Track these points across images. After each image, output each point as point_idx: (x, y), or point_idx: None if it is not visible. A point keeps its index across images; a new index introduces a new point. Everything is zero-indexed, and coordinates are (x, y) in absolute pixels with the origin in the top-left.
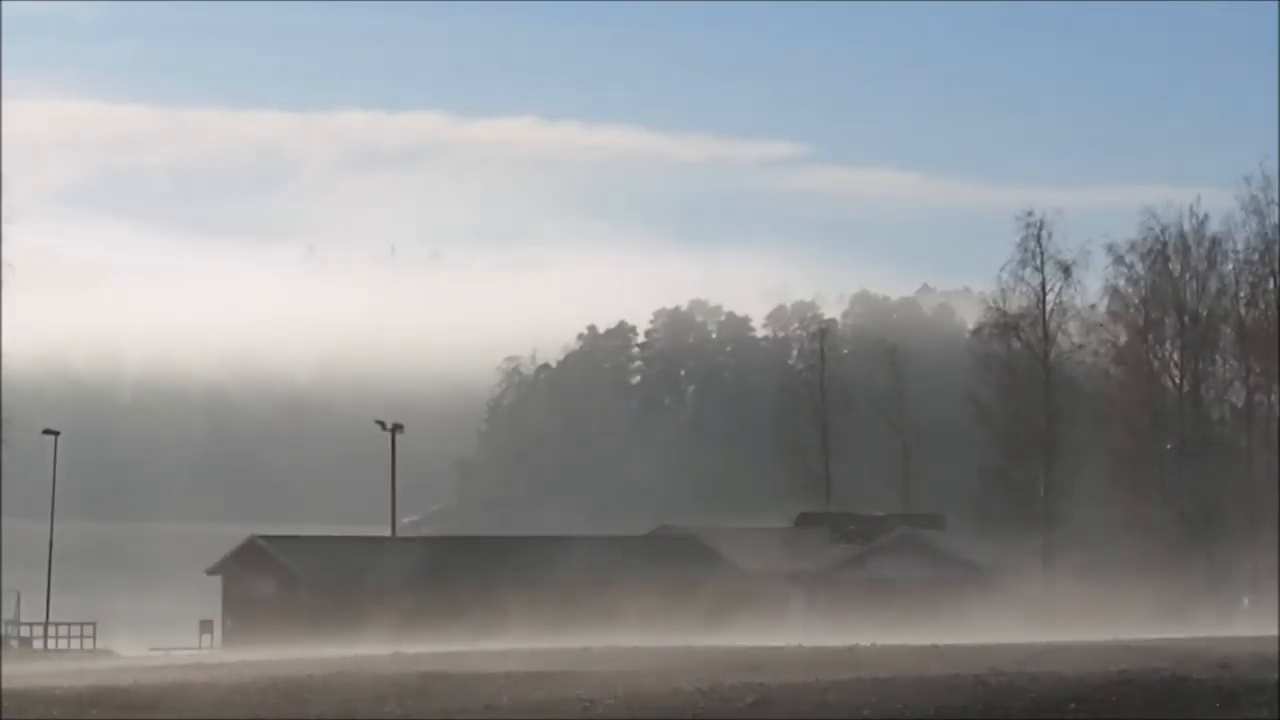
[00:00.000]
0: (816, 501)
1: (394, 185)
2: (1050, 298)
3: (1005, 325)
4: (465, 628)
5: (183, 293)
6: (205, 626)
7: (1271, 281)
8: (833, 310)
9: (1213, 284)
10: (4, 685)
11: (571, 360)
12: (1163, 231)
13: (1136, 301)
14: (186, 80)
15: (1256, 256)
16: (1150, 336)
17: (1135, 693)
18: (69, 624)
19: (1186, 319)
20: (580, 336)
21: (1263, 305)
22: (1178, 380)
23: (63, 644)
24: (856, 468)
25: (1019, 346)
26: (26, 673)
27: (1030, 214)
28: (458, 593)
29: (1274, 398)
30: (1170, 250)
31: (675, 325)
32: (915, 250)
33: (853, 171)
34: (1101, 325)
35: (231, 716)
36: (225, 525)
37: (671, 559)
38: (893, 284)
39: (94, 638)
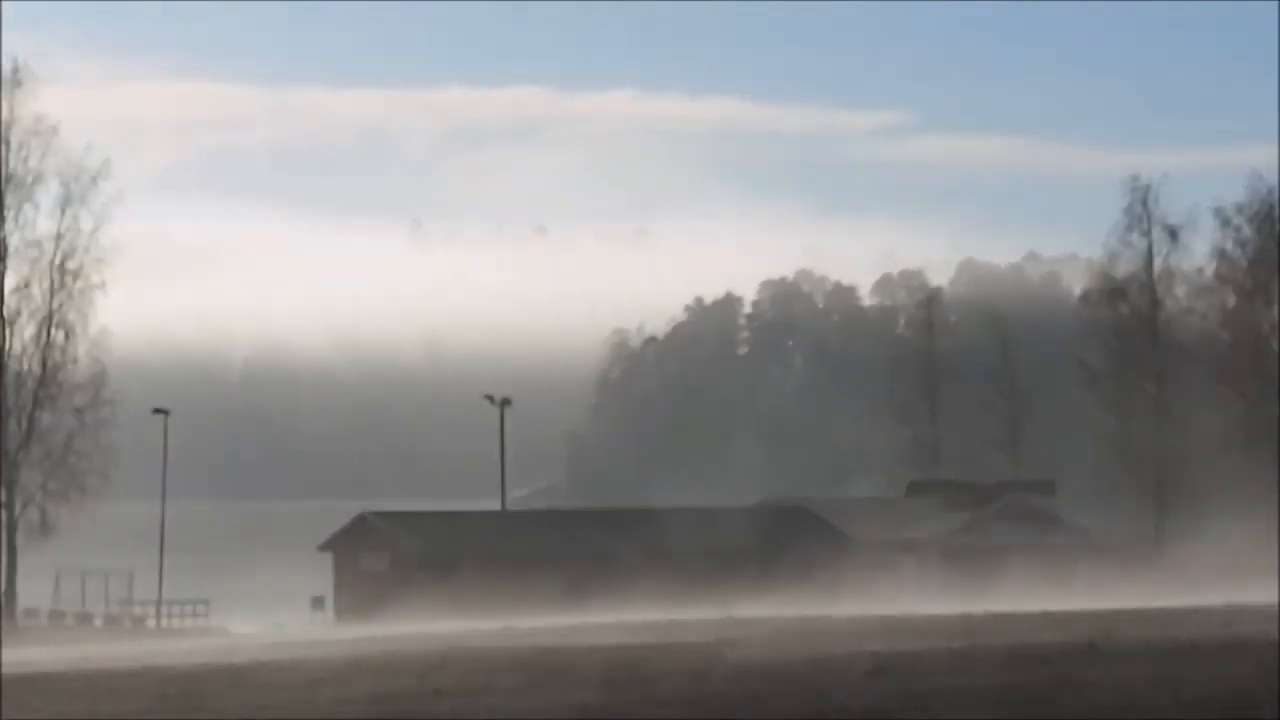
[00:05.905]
0: (926, 470)
1: (499, 160)
2: (1158, 262)
3: (1113, 291)
4: (576, 601)
5: (290, 271)
6: (317, 603)
7: None
8: (939, 278)
9: None
10: (118, 665)
11: (678, 332)
12: (1269, 193)
13: (1244, 264)
14: (287, 59)
15: None
16: (1258, 299)
17: (1249, 657)
18: (181, 603)
19: None
20: (687, 308)
21: None
22: None
23: (175, 623)
24: (966, 435)
25: (1127, 312)
26: (139, 652)
27: (1137, 178)
28: (568, 567)
29: None
30: (1277, 212)
31: (782, 296)
32: (1022, 216)
33: (958, 138)
34: (1210, 289)
35: (348, 693)
36: (335, 502)
37: (782, 530)
38: (999, 251)
39: (206, 616)
